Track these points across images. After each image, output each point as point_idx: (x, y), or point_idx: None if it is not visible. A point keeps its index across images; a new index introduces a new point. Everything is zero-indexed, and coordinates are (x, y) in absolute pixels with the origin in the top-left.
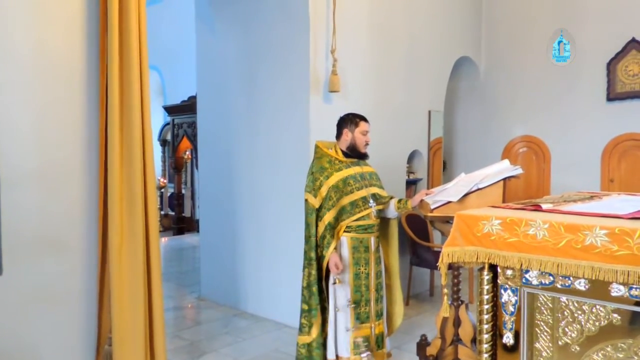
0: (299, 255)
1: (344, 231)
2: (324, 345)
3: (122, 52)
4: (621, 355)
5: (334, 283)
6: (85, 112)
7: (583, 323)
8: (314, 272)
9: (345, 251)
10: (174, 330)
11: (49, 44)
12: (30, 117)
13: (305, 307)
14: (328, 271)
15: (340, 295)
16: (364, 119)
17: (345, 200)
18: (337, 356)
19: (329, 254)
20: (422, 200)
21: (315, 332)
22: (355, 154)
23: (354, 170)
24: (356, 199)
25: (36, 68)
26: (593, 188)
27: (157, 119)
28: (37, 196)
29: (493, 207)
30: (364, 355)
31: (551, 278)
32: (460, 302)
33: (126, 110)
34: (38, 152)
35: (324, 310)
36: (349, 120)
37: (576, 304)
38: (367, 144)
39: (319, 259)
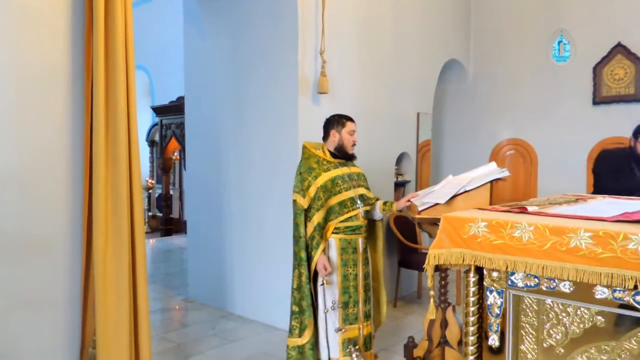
0: (287, 257)
1: (333, 232)
2: (316, 346)
3: (107, 51)
4: (604, 357)
5: (322, 284)
6: (70, 112)
7: (567, 325)
8: (305, 272)
9: (334, 252)
10: (161, 332)
11: (31, 42)
12: (12, 117)
13: (296, 308)
14: (316, 272)
15: (328, 296)
16: (350, 119)
17: (334, 201)
18: (329, 358)
19: (317, 256)
20: (410, 202)
21: (308, 334)
22: (343, 154)
23: (342, 170)
24: (344, 199)
25: (18, 67)
26: (579, 191)
27: (145, 120)
28: (19, 198)
29: (480, 209)
30: (354, 355)
31: (536, 280)
32: (447, 304)
33: (112, 110)
34: (20, 152)
35: (314, 312)
36: (335, 121)
37: (561, 306)
38: (354, 144)
39: (309, 259)
